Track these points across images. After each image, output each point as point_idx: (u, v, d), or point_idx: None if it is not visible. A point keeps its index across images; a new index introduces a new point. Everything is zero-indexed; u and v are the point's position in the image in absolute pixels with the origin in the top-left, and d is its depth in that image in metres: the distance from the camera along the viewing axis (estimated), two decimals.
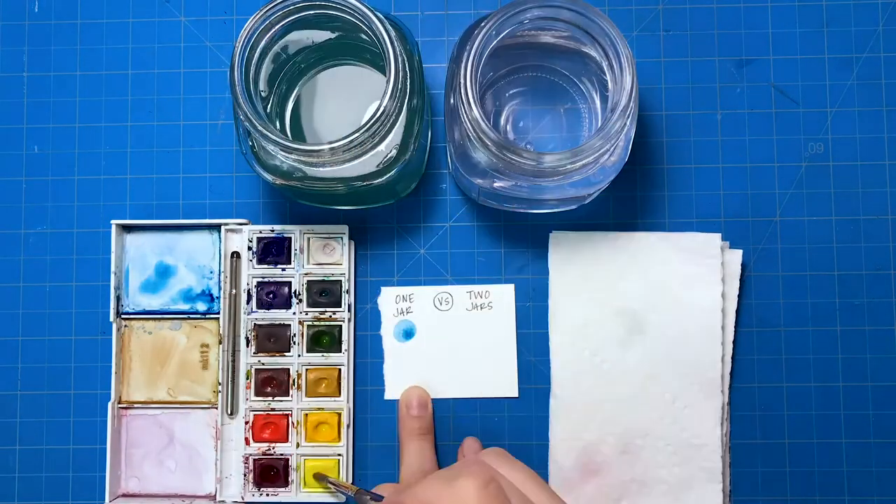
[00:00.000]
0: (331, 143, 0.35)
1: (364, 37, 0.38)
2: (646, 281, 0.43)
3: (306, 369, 0.44)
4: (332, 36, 0.40)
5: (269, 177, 0.38)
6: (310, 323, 0.44)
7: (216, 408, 0.44)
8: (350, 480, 0.44)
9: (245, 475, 0.43)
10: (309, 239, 0.44)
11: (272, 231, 0.44)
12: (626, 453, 0.43)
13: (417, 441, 0.42)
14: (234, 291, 0.44)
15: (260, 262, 0.44)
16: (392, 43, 0.35)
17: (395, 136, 0.37)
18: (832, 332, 0.44)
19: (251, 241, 0.44)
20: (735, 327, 0.44)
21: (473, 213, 0.45)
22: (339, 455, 0.43)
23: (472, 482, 0.30)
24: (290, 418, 0.43)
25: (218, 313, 0.44)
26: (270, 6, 0.36)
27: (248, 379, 0.44)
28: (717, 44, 0.45)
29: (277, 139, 0.35)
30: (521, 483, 0.33)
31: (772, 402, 0.44)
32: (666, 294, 0.43)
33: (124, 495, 0.44)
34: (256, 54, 0.37)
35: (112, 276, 0.44)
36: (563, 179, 0.37)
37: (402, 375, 0.44)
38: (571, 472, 0.43)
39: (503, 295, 0.45)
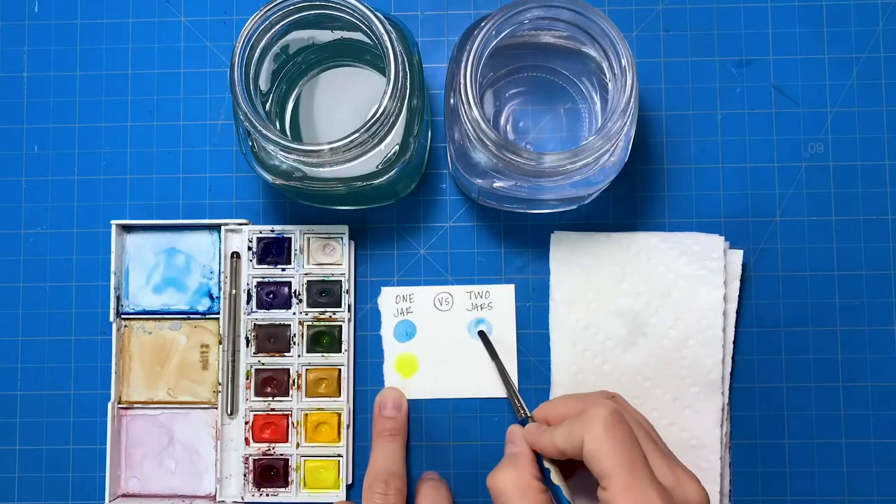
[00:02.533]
0: (331, 143, 0.35)
1: (364, 37, 0.38)
2: (648, 282, 0.43)
3: (306, 369, 0.44)
4: (333, 36, 0.40)
5: (269, 177, 0.38)
6: (310, 323, 0.44)
7: (216, 408, 0.44)
8: (350, 481, 0.44)
9: (245, 475, 0.43)
10: (309, 239, 0.44)
11: (272, 231, 0.44)
12: None
13: (388, 442, 0.42)
14: (234, 291, 0.44)
15: (260, 262, 0.44)
16: (392, 43, 0.35)
17: (395, 136, 0.37)
18: (832, 332, 0.44)
19: (251, 241, 0.44)
20: (735, 327, 0.44)
21: (473, 213, 0.45)
22: (339, 455, 0.43)
23: (603, 409, 0.34)
24: (290, 418, 0.43)
25: (218, 313, 0.44)
26: (270, 6, 0.36)
27: (248, 379, 0.44)
28: (717, 44, 0.45)
29: (277, 139, 0.35)
30: (637, 421, 0.38)
31: (772, 402, 0.44)
32: (668, 295, 0.43)
33: (124, 495, 0.44)
34: (256, 54, 0.37)
35: (112, 276, 0.44)
36: (563, 179, 0.37)
37: (401, 375, 0.44)
38: None
39: (503, 295, 0.45)
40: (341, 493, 0.43)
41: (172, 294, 0.45)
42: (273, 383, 0.44)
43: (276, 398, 0.43)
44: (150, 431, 0.44)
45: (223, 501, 0.43)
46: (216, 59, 0.46)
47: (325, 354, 0.44)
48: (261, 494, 0.43)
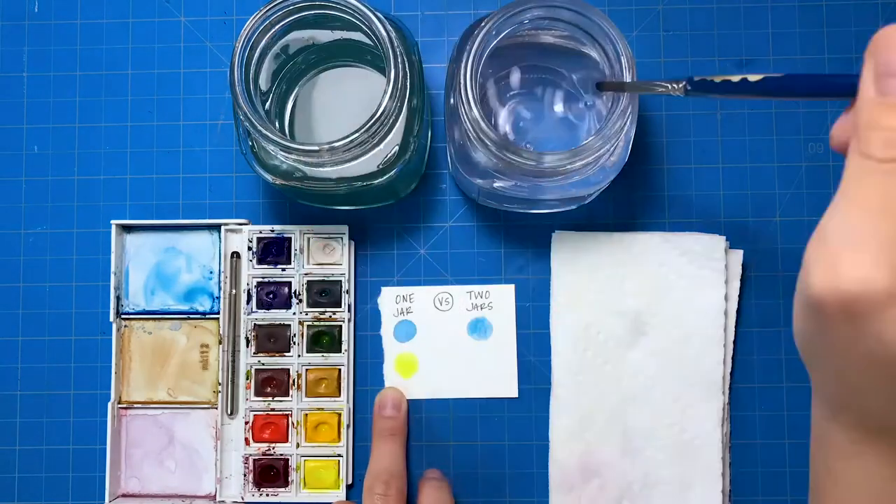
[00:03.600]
0: (331, 143, 0.35)
1: (364, 37, 0.38)
2: (649, 282, 0.43)
3: (306, 369, 0.44)
4: (333, 36, 0.40)
5: (269, 177, 0.38)
6: (310, 323, 0.44)
7: (216, 408, 0.44)
8: (350, 481, 0.44)
9: (245, 475, 0.43)
10: (309, 239, 0.44)
11: (272, 231, 0.44)
12: (627, 454, 0.43)
13: (388, 442, 0.42)
14: (234, 291, 0.44)
15: (260, 262, 0.44)
16: (392, 43, 0.35)
17: (395, 136, 0.37)
18: None
19: (251, 241, 0.44)
20: (735, 327, 0.44)
21: (473, 213, 0.45)
22: (339, 455, 0.43)
23: None
24: (289, 418, 0.43)
25: (218, 313, 0.44)
26: (270, 6, 0.36)
27: (248, 379, 0.44)
28: (717, 44, 0.45)
29: (277, 139, 0.35)
30: None
31: (772, 402, 0.44)
32: (669, 296, 0.43)
33: (124, 495, 0.44)
34: (256, 54, 0.37)
35: (112, 276, 0.44)
36: (564, 179, 0.37)
37: (401, 375, 0.44)
38: (572, 473, 0.43)
39: (503, 295, 0.45)
40: (341, 493, 0.43)
41: (172, 294, 0.45)
42: (273, 383, 0.44)
43: (276, 398, 0.43)
44: (150, 431, 0.44)
45: (223, 501, 0.43)
46: (216, 59, 0.46)
47: (325, 354, 0.44)
48: (261, 494, 0.43)
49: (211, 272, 0.45)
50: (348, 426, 0.44)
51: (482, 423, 0.44)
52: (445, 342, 0.44)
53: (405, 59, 0.36)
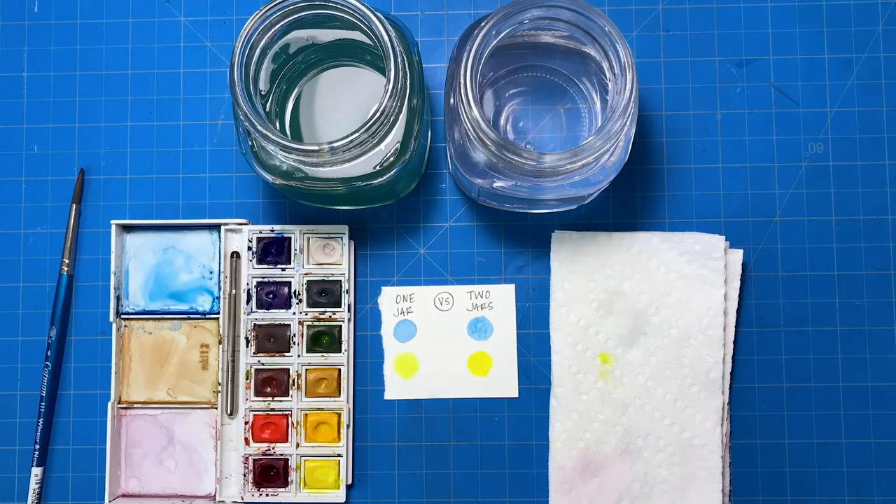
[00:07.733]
0: (331, 142, 0.35)
1: (364, 37, 0.38)
2: (649, 282, 0.43)
3: (306, 369, 0.44)
4: (333, 36, 0.40)
5: (269, 177, 0.38)
6: (310, 323, 0.44)
7: (216, 408, 0.44)
8: (349, 481, 0.44)
9: (245, 475, 0.43)
10: (309, 239, 0.44)
11: (272, 231, 0.44)
12: (627, 453, 0.43)
13: None
14: (233, 291, 0.44)
15: (260, 262, 0.44)
16: (392, 43, 0.35)
17: (395, 136, 0.37)
18: (832, 332, 0.44)
19: (251, 241, 0.44)
20: (735, 327, 0.44)
21: (473, 213, 0.45)
22: (339, 455, 0.43)
23: None
24: (289, 418, 0.43)
25: (218, 313, 0.44)
26: (270, 6, 0.36)
27: (247, 379, 0.44)
28: (717, 44, 0.45)
29: (277, 139, 0.35)
30: None
31: (772, 402, 0.44)
32: (668, 295, 0.43)
33: (124, 495, 0.44)
34: (256, 54, 0.37)
35: (112, 276, 0.44)
36: (563, 179, 0.37)
37: (401, 375, 0.45)
38: (572, 473, 0.43)
39: (503, 295, 0.45)
40: (341, 493, 0.43)
41: (172, 294, 0.45)
42: (273, 383, 0.44)
43: (275, 398, 0.43)
44: (150, 431, 0.44)
45: (223, 501, 0.43)
46: (216, 59, 0.46)
47: (324, 354, 0.44)
48: (261, 494, 0.43)
49: (211, 272, 0.45)
50: (348, 426, 0.44)
51: (482, 423, 0.44)
52: (445, 342, 0.44)
53: (405, 59, 0.36)
